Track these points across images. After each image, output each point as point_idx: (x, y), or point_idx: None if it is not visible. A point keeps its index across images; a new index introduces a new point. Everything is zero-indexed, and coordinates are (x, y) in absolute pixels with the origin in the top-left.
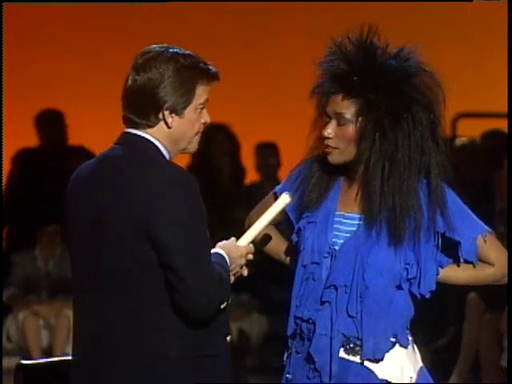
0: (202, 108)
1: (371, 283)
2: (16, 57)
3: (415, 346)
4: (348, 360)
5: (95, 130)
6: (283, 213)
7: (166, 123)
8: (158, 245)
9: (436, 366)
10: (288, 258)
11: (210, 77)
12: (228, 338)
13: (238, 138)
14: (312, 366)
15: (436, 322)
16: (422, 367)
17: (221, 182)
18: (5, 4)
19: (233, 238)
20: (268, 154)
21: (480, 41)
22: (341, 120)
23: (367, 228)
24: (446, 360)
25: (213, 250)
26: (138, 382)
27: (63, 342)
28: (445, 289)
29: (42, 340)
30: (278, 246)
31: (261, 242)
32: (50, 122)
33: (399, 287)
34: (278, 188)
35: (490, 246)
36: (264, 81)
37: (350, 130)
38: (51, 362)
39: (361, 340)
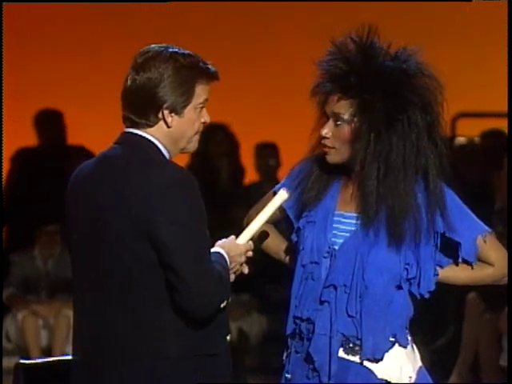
0: (201, 107)
1: (371, 283)
2: (16, 57)
3: (414, 346)
4: (347, 360)
5: (95, 129)
6: (283, 212)
7: (166, 123)
8: (158, 245)
9: (435, 365)
10: (287, 258)
11: (210, 76)
12: (228, 338)
13: (238, 138)
14: (311, 366)
15: (435, 322)
16: (421, 367)
17: (220, 181)
18: (5, 4)
19: (232, 236)
20: (268, 154)
21: (479, 41)
22: (338, 120)
23: (365, 228)
24: (446, 360)
25: (212, 249)
26: (137, 381)
27: (62, 341)
28: (444, 289)
29: (41, 340)
30: (277, 246)
31: (258, 238)
32: (50, 122)
33: (399, 287)
34: (277, 187)
35: (489, 247)
36: (264, 81)
37: (346, 130)
38: (50, 361)
39: (360, 340)
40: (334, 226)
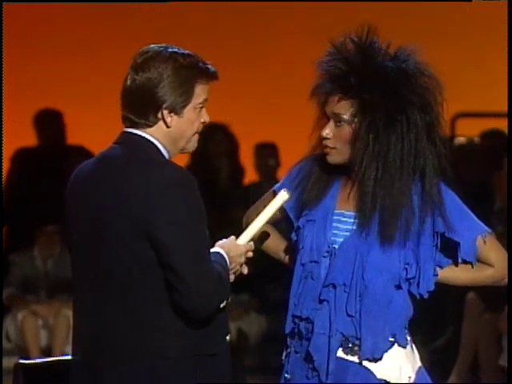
0: (201, 107)
1: (371, 282)
2: (16, 57)
3: (414, 346)
4: (346, 360)
5: (94, 129)
6: (283, 211)
7: (165, 123)
8: (157, 245)
9: (435, 365)
10: (287, 257)
11: (209, 76)
12: (227, 338)
13: (237, 138)
14: (311, 366)
15: (435, 322)
16: (420, 367)
17: (219, 181)
18: (5, 4)
19: (232, 237)
20: (267, 154)
21: (479, 41)
22: (338, 120)
23: (362, 227)
24: (445, 360)
25: (212, 249)
26: (137, 381)
27: (62, 341)
28: (444, 289)
29: (40, 340)
30: (276, 245)
31: (259, 239)
32: (49, 122)
33: (398, 287)
34: (277, 186)
35: (489, 247)
36: (264, 81)
37: (347, 130)
38: (50, 361)
39: (359, 339)
40: (334, 225)
